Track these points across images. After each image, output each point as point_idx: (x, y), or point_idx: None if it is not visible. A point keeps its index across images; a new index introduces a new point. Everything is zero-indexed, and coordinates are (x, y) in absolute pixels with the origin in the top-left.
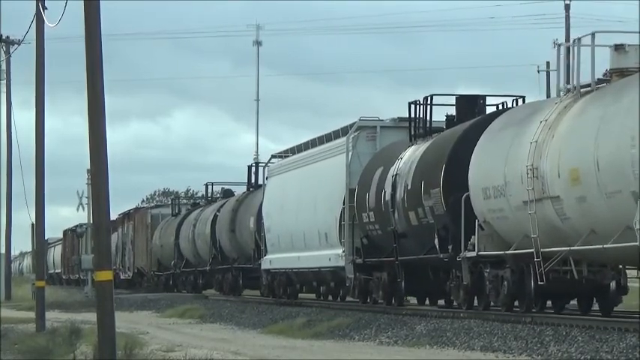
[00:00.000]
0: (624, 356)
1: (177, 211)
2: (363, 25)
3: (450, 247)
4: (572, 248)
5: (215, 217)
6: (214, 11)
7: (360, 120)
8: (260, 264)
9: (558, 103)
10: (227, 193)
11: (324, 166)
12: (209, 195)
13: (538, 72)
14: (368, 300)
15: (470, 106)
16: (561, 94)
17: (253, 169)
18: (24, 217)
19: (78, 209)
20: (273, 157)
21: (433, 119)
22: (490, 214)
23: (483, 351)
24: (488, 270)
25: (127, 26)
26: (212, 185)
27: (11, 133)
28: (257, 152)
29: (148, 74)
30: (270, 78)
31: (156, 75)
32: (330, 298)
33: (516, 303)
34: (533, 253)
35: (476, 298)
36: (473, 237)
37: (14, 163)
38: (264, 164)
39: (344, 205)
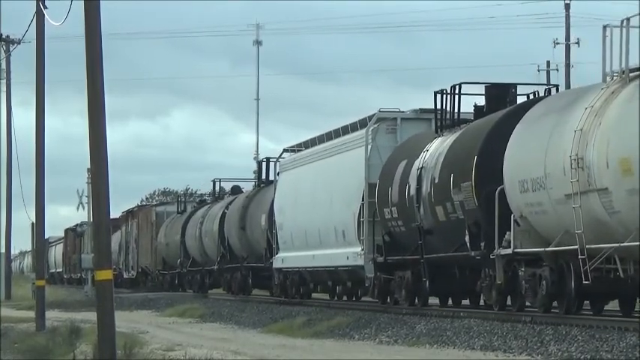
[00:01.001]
0: (624, 355)
1: (182, 208)
2: (362, 25)
3: (482, 244)
4: (622, 245)
5: (223, 214)
6: (213, 11)
7: (379, 112)
8: (272, 263)
9: (605, 89)
10: (235, 190)
11: (341, 160)
12: (216, 192)
13: (538, 71)
14: (388, 300)
15: (501, 95)
16: (607, 79)
17: (264, 164)
18: (24, 217)
19: (78, 208)
20: (285, 151)
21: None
22: (527, 209)
23: (483, 350)
24: (523, 269)
25: (126, 26)
26: (219, 182)
27: (11, 132)
28: (257, 151)
29: (147, 74)
30: (269, 77)
31: (155, 74)
32: (344, 298)
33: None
34: (576, 250)
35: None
36: (508, 233)
37: (14, 162)
38: (275, 159)
39: (363, 200)
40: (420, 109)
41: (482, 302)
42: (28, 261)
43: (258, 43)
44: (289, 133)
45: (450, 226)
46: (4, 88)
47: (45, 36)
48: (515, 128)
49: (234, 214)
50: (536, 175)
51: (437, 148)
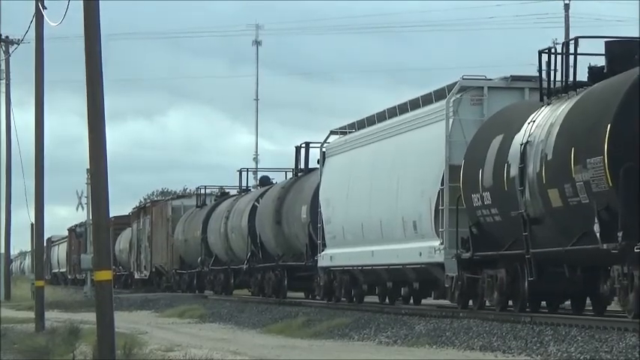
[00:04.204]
0: (624, 356)
1: (202, 202)
2: (361, 25)
3: (619, 235)
4: None
5: (254, 207)
6: (211, 11)
7: (462, 79)
8: (315, 261)
9: None
10: (264, 181)
11: (411, 139)
12: (243, 184)
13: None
14: (470, 303)
15: (626, 52)
16: None
17: (302, 150)
18: (24, 217)
19: (77, 209)
20: (332, 133)
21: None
22: None
23: (483, 351)
24: None
25: (125, 26)
26: (247, 172)
27: (11, 133)
28: (257, 152)
29: (145, 74)
30: (267, 77)
31: (153, 75)
32: (388, 300)
33: None
34: None
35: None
36: None
37: (14, 162)
38: (318, 144)
39: (443, 185)
40: (512, 76)
41: (589, 307)
42: (29, 261)
43: (257, 43)
44: (288, 133)
45: (568, 212)
46: (3, 89)
47: (44, 37)
48: None
49: (267, 206)
50: None
51: (546, 118)
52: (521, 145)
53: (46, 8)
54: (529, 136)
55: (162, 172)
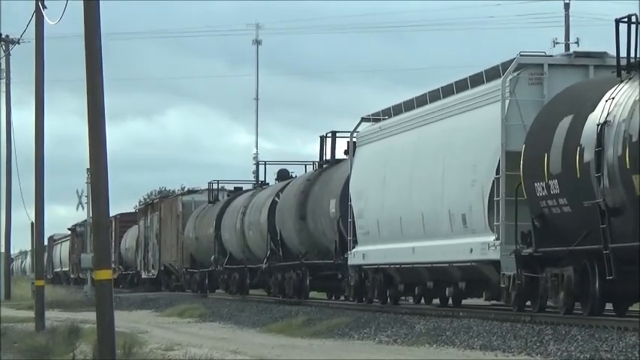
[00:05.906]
0: (623, 355)
1: (214, 197)
2: (359, 25)
3: None
4: None
5: (274, 202)
6: (211, 11)
7: (520, 56)
8: (345, 259)
9: None
10: (282, 175)
11: (459, 123)
12: (261, 178)
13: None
14: (528, 305)
15: None
16: None
17: (328, 140)
18: (24, 216)
19: (77, 208)
20: (363, 120)
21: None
22: None
23: (483, 350)
24: None
25: (125, 25)
26: (265, 165)
27: (11, 132)
28: (257, 151)
29: (144, 73)
30: (266, 77)
31: (153, 74)
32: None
33: None
34: None
35: None
36: None
37: (13, 162)
38: (346, 133)
39: (498, 174)
40: (575, 53)
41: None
42: (29, 260)
43: (257, 42)
44: (287, 132)
45: None
46: (3, 88)
47: (44, 36)
48: None
49: (289, 201)
50: None
51: (628, 94)
52: (597, 125)
53: (46, 7)
54: (607, 115)
55: (162, 172)
